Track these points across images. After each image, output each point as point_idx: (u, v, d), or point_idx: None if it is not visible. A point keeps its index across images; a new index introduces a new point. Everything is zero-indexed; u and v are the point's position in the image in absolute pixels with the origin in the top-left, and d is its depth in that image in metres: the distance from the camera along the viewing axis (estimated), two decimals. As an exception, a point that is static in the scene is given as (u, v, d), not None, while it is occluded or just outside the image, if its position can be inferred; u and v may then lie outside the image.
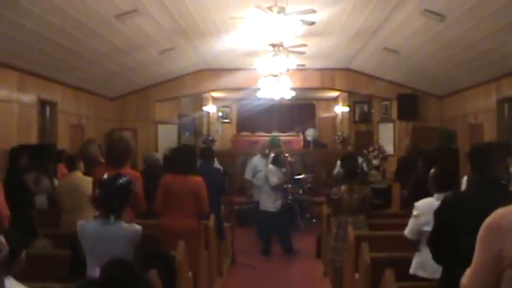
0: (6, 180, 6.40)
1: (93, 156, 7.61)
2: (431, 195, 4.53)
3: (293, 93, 13.28)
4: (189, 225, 5.79)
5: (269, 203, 9.26)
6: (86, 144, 8.30)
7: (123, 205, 3.63)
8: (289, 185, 10.33)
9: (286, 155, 12.83)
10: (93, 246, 3.53)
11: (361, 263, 5.21)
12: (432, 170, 4.61)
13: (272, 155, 9.66)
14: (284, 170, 9.48)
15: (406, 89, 13.01)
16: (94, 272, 3.43)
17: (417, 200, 4.57)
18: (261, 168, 10.07)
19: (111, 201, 3.56)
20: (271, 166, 9.39)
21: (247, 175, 10.37)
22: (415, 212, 4.47)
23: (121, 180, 3.59)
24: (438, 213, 3.47)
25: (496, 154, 3.44)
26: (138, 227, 3.71)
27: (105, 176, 3.65)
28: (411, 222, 4.50)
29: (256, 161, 10.50)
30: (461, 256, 3.25)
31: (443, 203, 3.48)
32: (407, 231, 4.51)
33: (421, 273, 4.35)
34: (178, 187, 5.84)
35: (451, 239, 3.34)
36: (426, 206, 4.39)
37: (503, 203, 2.20)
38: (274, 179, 9.23)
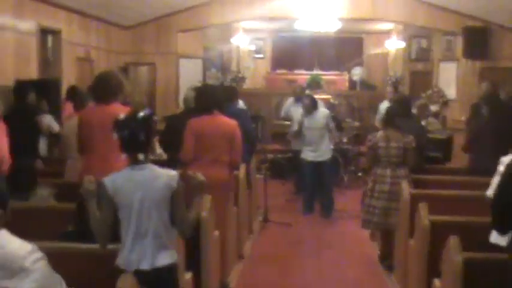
0: (12, 120, 6.18)
1: None
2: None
3: (339, 25, 12.97)
4: (220, 176, 5.62)
5: (309, 151, 9.02)
6: None
7: (150, 140, 3.62)
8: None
9: (329, 96, 12.58)
10: (131, 201, 3.44)
11: (418, 227, 5.06)
12: None
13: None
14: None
15: (475, 20, 12.55)
16: (129, 235, 3.42)
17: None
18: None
19: (138, 138, 3.51)
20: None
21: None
22: (503, 169, 4.04)
23: (142, 114, 3.56)
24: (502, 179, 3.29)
25: None
26: (174, 171, 3.64)
27: (121, 115, 3.56)
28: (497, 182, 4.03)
29: None
30: None
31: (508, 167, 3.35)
32: (492, 193, 4.10)
33: (502, 242, 3.94)
34: (209, 130, 5.71)
35: None
36: None
37: None
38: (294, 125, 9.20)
